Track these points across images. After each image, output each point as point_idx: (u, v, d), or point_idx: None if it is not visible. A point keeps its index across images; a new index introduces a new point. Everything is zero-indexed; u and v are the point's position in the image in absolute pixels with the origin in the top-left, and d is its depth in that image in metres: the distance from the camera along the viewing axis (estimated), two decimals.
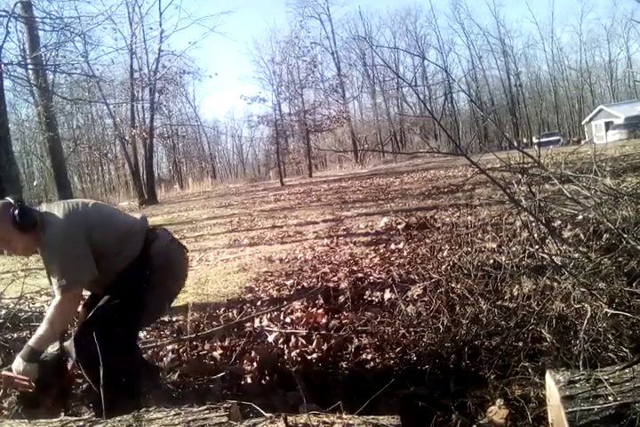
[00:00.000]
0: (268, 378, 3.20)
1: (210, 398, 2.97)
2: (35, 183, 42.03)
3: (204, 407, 2.32)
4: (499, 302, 3.47)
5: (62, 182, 22.84)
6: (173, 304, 5.22)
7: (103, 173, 54.34)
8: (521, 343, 2.92)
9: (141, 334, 4.29)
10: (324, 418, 2.18)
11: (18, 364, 2.59)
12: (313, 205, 14.10)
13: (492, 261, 4.43)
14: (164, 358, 3.63)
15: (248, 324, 4.15)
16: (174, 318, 4.71)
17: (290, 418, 2.15)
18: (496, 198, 8.07)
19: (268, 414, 2.27)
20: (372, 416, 2.18)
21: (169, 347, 3.82)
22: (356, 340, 3.45)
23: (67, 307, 2.69)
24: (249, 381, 3.19)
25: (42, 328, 2.65)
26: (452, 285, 4.01)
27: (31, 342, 2.62)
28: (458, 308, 3.55)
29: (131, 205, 28.44)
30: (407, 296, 4.15)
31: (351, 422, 2.10)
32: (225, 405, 2.36)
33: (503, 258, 4.21)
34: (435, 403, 2.55)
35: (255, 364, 3.32)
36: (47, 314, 2.69)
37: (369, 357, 3.29)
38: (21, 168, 39.81)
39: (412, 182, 16.89)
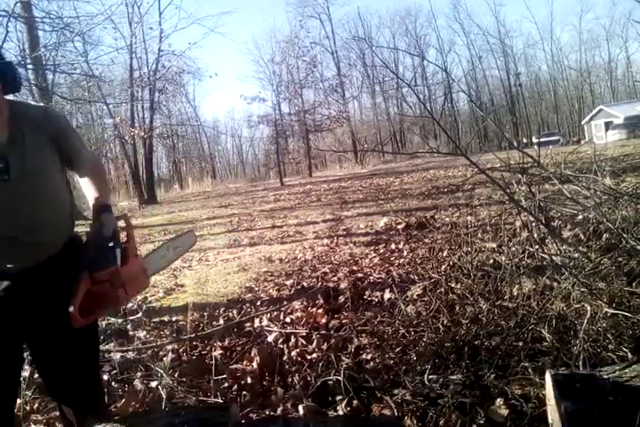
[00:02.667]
0: (268, 378, 3.19)
1: (210, 398, 2.98)
2: None
3: (204, 408, 2.33)
4: (498, 302, 3.47)
5: None
6: (174, 304, 5.27)
7: None
8: (521, 343, 2.91)
9: (141, 334, 4.30)
10: (324, 418, 2.18)
11: (108, 219, 2.09)
12: (313, 205, 14.11)
13: (491, 261, 4.44)
14: (164, 358, 3.62)
15: (248, 324, 4.16)
16: (174, 318, 4.71)
17: (290, 418, 2.16)
18: (496, 198, 8.08)
19: (267, 414, 2.28)
20: (371, 416, 2.18)
21: (169, 347, 3.82)
22: (356, 340, 3.44)
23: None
24: (249, 381, 3.18)
25: (99, 186, 2.26)
26: (452, 284, 4.02)
27: (100, 196, 2.19)
28: (457, 308, 3.56)
29: (131, 204, 28.46)
30: (407, 296, 4.16)
31: (351, 421, 2.11)
32: (225, 405, 2.37)
33: (503, 258, 4.21)
34: (434, 403, 2.55)
35: (255, 364, 3.32)
36: (96, 178, 2.29)
37: (369, 356, 3.28)
38: None
39: (412, 182, 16.90)
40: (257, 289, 5.43)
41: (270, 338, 3.74)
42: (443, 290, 3.88)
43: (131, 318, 4.69)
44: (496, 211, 5.90)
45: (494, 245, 4.99)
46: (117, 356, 3.72)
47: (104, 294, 1.94)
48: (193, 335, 3.85)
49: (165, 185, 42.39)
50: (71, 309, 1.83)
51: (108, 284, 1.93)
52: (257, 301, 4.88)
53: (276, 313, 4.25)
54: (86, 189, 2.26)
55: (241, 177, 52.83)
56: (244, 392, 3.07)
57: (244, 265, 6.77)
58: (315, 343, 3.53)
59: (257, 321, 4.16)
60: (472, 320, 3.23)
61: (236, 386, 3.14)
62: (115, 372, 3.50)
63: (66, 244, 2.10)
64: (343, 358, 3.23)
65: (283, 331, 3.79)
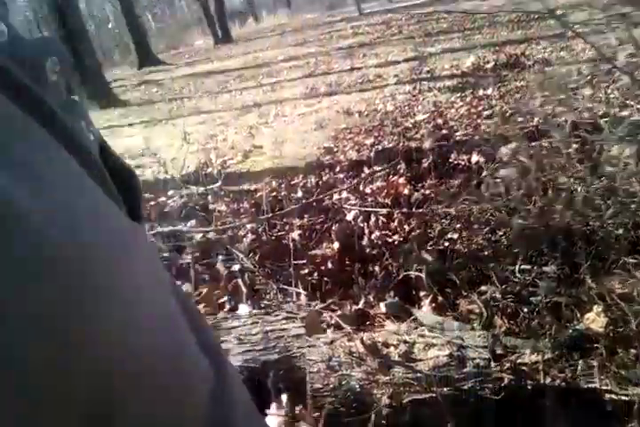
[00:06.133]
0: (348, 264, 3.11)
1: (290, 286, 2.95)
2: (109, 26, 41.73)
3: (282, 317, 2.27)
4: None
5: (133, 23, 23.01)
6: (252, 169, 5.18)
7: (175, 11, 52.77)
8: (621, 230, 2.62)
9: (222, 208, 4.23)
10: None
11: None
12: (394, 39, 13.18)
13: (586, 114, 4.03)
14: (244, 239, 3.56)
15: (327, 198, 3.99)
16: (253, 187, 4.60)
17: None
18: (594, 27, 7.21)
19: (346, 330, 2.19)
20: None
21: (248, 226, 3.74)
22: (439, 225, 3.24)
23: None
24: (329, 266, 3.11)
25: None
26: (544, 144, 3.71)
27: None
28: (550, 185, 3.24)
29: (206, 43, 27.97)
30: (496, 159, 3.85)
31: None
32: (302, 314, 2.30)
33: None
34: (527, 302, 2.40)
35: (335, 248, 3.21)
36: None
37: (455, 236, 3.11)
38: (96, 12, 40.11)
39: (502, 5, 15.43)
40: (336, 150, 5.21)
41: (349, 216, 3.59)
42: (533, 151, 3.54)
43: (210, 186, 4.63)
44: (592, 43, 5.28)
45: (589, 93, 4.55)
46: (198, 236, 3.71)
47: None
48: (270, 215, 3.73)
49: (239, 18, 40.94)
50: None
51: None
52: (336, 165, 4.68)
53: (355, 184, 4.06)
54: None
55: (317, 3, 50.33)
56: (326, 278, 3.03)
57: (321, 121, 6.48)
58: (397, 222, 3.37)
59: (335, 195, 3.98)
60: (566, 202, 2.92)
61: (316, 273, 3.09)
62: (197, 254, 3.49)
63: None
64: (426, 241, 3.08)
65: (362, 209, 3.62)
